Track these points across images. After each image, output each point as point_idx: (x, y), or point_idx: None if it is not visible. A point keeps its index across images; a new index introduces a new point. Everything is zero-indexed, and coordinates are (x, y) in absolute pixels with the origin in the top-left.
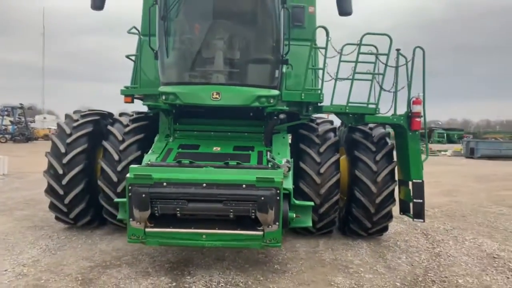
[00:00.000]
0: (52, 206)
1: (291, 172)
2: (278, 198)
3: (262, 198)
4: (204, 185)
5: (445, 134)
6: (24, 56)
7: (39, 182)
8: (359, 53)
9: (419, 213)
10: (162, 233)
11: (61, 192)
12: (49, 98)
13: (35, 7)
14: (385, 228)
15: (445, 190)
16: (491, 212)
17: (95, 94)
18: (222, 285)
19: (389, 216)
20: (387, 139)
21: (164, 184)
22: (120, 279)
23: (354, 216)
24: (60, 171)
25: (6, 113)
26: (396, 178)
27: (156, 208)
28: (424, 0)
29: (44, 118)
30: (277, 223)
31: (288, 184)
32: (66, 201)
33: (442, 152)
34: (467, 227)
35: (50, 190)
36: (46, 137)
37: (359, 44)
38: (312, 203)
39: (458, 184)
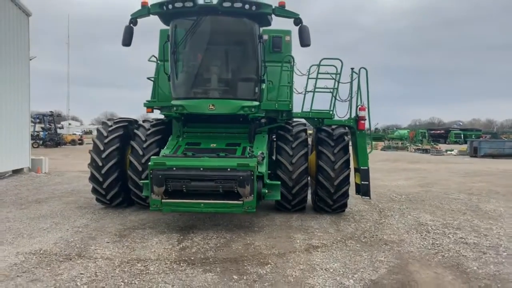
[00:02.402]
0: (94, 190)
1: (265, 161)
2: (252, 177)
3: (241, 177)
4: (201, 169)
5: (462, 135)
6: (48, 64)
7: (75, 178)
8: (318, 72)
9: (366, 192)
10: (173, 203)
11: (100, 179)
12: (72, 104)
13: (60, 15)
14: (345, 205)
15: (425, 183)
16: (449, 198)
17: (115, 100)
18: (214, 238)
19: (346, 195)
20: (345, 137)
21: (174, 168)
22: (144, 235)
23: (319, 196)
24: (100, 164)
25: (38, 120)
26: (352, 166)
27: (169, 185)
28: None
29: (69, 124)
30: (252, 195)
31: (262, 169)
32: (104, 185)
33: (448, 152)
34: (418, 207)
35: (92, 178)
36: (73, 142)
37: (318, 65)
38: (279, 182)
39: (441, 179)
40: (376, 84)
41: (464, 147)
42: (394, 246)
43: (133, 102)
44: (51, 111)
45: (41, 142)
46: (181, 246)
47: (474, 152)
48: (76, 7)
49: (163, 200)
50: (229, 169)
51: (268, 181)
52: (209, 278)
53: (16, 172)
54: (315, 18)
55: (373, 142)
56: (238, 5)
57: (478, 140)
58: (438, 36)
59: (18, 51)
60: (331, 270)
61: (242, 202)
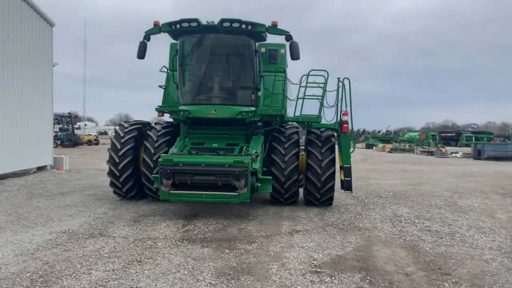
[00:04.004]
0: (111, 184)
1: (259, 158)
2: (246, 172)
3: (236, 172)
4: (203, 165)
5: (473, 138)
6: (65, 66)
7: (94, 175)
8: (307, 82)
9: (348, 187)
10: (179, 193)
11: (117, 174)
12: (88, 105)
13: (77, 18)
14: (331, 199)
15: (416, 183)
16: (433, 195)
17: (129, 101)
18: (213, 223)
19: (332, 190)
20: (332, 138)
21: (180, 164)
22: (155, 220)
23: (308, 190)
24: (117, 160)
25: (56, 121)
26: (338, 164)
27: (176, 179)
28: (453, 1)
29: (85, 125)
30: (246, 188)
31: (256, 165)
32: (121, 180)
33: (453, 154)
34: (401, 202)
35: (110, 172)
36: (89, 142)
37: (307, 75)
38: (270, 177)
39: (435, 179)
40: (390, 86)
41: (469, 149)
42: (366, 232)
43: (145, 104)
44: (69, 113)
45: (59, 142)
46: (185, 229)
47: (478, 155)
48: (92, 11)
49: (170, 191)
50: (226, 165)
51: (260, 176)
52: (205, 251)
53: (40, 169)
54: (325, 22)
55: (381, 145)
56: (236, 25)
57: (481, 142)
58: (452, 38)
59: (43, 58)
60: (306, 248)
61: (237, 193)
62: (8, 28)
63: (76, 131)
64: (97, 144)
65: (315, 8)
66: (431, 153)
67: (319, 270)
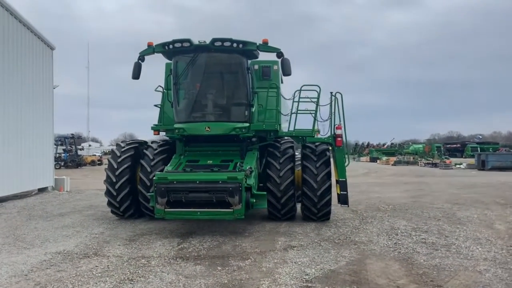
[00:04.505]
0: (109, 203)
1: (253, 174)
2: (240, 189)
3: (230, 188)
4: (197, 182)
5: (478, 148)
6: (69, 87)
7: (94, 196)
8: (299, 97)
9: (344, 201)
10: (174, 211)
11: (114, 193)
12: (92, 126)
13: (81, 40)
14: (328, 213)
15: (417, 195)
16: (433, 207)
17: (131, 121)
18: (208, 241)
19: (328, 204)
20: (327, 152)
21: (175, 182)
22: (150, 239)
23: (305, 205)
24: (114, 180)
25: (59, 142)
26: (334, 178)
27: (170, 197)
28: (452, 14)
29: (89, 145)
30: (241, 204)
31: (250, 181)
32: (118, 199)
33: (457, 165)
34: (399, 215)
35: (107, 192)
36: (93, 163)
37: (299, 90)
38: (265, 193)
39: (436, 191)
40: (393, 99)
41: (473, 160)
42: (361, 245)
43: (149, 123)
44: (72, 134)
45: (62, 163)
46: (179, 247)
47: (482, 165)
48: (95, 32)
49: (166, 209)
50: (220, 182)
51: (255, 191)
52: (197, 269)
53: (41, 190)
54: (326, 38)
55: (385, 158)
56: (227, 44)
57: (485, 153)
58: (453, 48)
59: (43, 81)
60: (299, 263)
61: (232, 210)
62: (9, 52)
63: (79, 152)
64: (100, 164)
65: (315, 23)
66: (435, 165)
67: (310, 284)
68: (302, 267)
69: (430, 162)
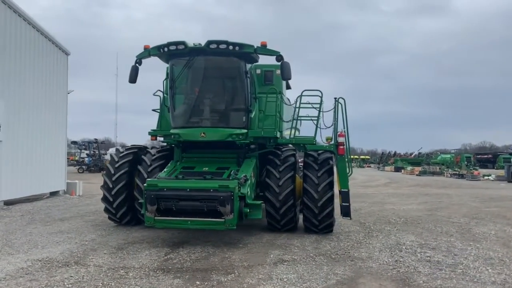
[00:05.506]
0: (105, 209)
1: (248, 182)
2: (232, 198)
3: (221, 197)
4: (188, 190)
5: (511, 159)
6: (100, 95)
7: None
8: (300, 103)
9: (346, 213)
10: (164, 220)
11: (111, 199)
12: (121, 131)
13: (110, 51)
14: (330, 225)
15: (435, 208)
16: (448, 221)
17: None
18: (198, 252)
19: (330, 215)
20: (330, 161)
21: (165, 189)
22: (139, 248)
23: (306, 216)
24: (111, 186)
25: (84, 147)
26: (337, 188)
27: (160, 204)
28: (484, 20)
29: (116, 149)
30: (233, 214)
31: (244, 190)
32: (114, 205)
33: (485, 177)
34: (409, 229)
35: (104, 198)
36: None
37: (300, 96)
38: (260, 202)
39: (457, 203)
40: (422, 107)
41: (503, 172)
42: (358, 262)
43: None
44: (96, 139)
45: (85, 167)
46: (166, 257)
47: None
48: (122, 41)
49: (155, 217)
50: (211, 190)
51: (249, 201)
52: (175, 283)
53: (53, 194)
54: (352, 46)
55: (409, 167)
56: (222, 46)
57: None
58: (484, 56)
59: (57, 86)
60: (285, 280)
61: (223, 220)
62: (25, 58)
63: (103, 157)
64: None
65: (342, 31)
66: (461, 176)
67: None
68: (286, 285)
69: (457, 173)
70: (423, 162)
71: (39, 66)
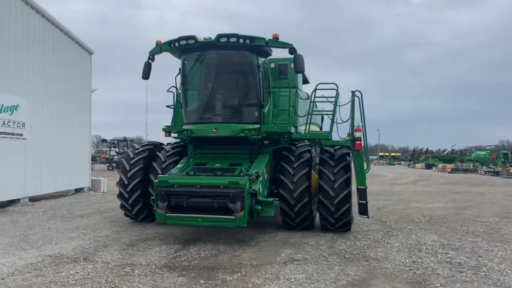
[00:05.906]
0: (121, 206)
1: (260, 179)
2: (242, 194)
3: (231, 194)
4: (198, 186)
5: None
6: (130, 95)
7: None
8: (314, 97)
9: (364, 211)
10: (175, 216)
11: (126, 196)
12: (152, 130)
13: (144, 48)
14: (347, 223)
15: (463, 206)
16: (476, 221)
17: None
18: (208, 249)
19: (347, 214)
20: (347, 157)
21: (175, 185)
22: (151, 245)
23: (322, 214)
24: (126, 182)
25: (113, 145)
26: (354, 185)
27: (171, 201)
28: None
29: None
30: (243, 211)
31: (256, 186)
32: (129, 202)
33: None
34: (433, 228)
35: (120, 195)
36: None
37: (315, 89)
38: (272, 199)
39: (488, 202)
40: (454, 103)
41: None
42: (373, 262)
43: None
44: (124, 137)
45: (115, 165)
46: (175, 255)
47: None
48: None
49: (166, 214)
50: (221, 187)
51: (261, 198)
52: (178, 281)
53: (78, 191)
54: (380, 40)
55: (441, 164)
56: (233, 39)
57: None
58: None
59: (81, 84)
60: (292, 280)
61: (234, 217)
62: (49, 57)
63: None
64: None
65: (369, 26)
66: (496, 174)
67: None
68: (293, 285)
69: (492, 170)
70: (455, 159)
71: (62, 65)
